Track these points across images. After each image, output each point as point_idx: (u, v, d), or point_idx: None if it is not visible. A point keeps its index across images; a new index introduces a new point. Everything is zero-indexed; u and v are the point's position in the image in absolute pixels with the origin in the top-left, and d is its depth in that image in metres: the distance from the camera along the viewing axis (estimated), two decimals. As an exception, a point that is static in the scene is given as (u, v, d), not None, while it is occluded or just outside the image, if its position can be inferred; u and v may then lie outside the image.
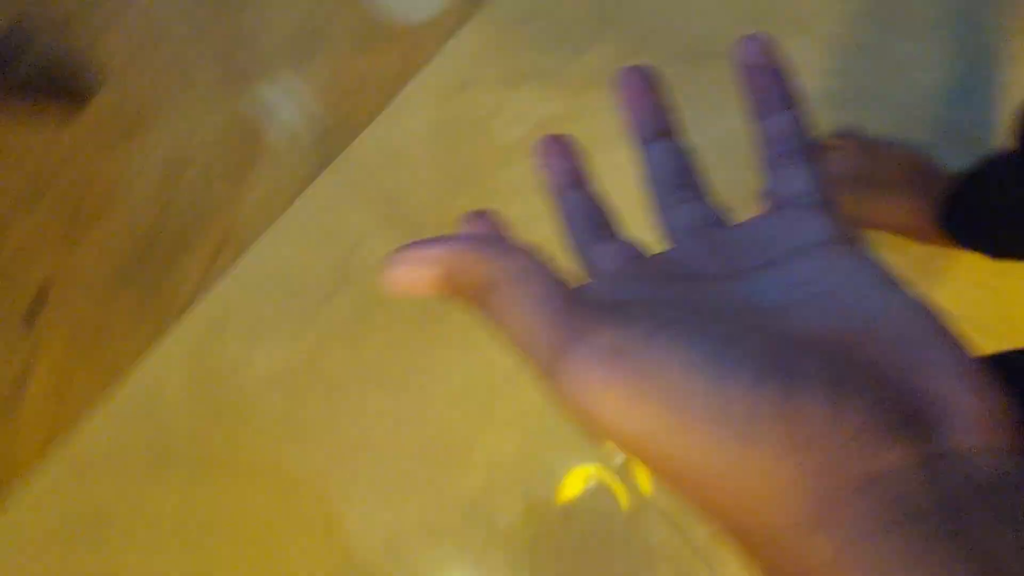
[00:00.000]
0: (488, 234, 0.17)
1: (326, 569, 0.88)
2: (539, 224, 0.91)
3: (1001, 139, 0.92)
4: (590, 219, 0.25)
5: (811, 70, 0.92)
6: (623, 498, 0.84)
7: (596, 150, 0.95)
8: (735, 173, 0.94)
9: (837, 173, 0.92)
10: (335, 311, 1.01)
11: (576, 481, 0.86)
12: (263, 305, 1.02)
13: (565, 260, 0.86)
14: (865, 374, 0.15)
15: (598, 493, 0.85)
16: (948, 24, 0.91)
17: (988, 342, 0.96)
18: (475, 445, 0.93)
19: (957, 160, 0.93)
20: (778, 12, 0.92)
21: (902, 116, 0.93)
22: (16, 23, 0.99)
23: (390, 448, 0.93)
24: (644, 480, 0.85)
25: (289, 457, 0.93)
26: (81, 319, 1.03)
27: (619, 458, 0.86)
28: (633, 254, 0.24)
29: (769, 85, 0.23)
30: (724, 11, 0.92)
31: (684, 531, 0.81)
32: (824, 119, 0.94)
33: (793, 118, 0.23)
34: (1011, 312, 0.95)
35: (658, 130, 0.25)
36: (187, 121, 1.00)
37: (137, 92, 1.00)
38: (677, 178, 0.25)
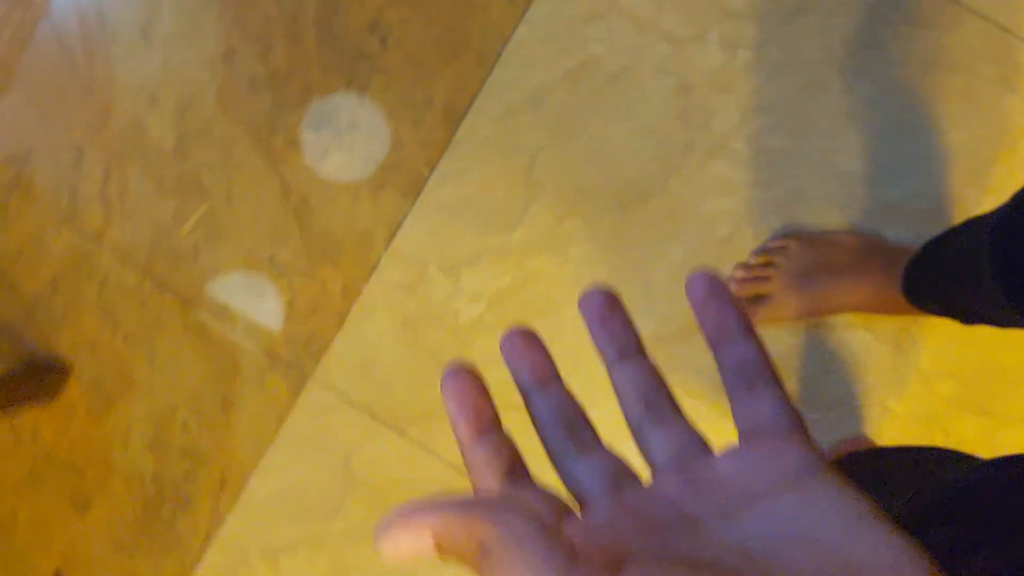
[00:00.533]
0: (477, 497, 0.18)
1: None
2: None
3: (941, 205, 0.94)
4: (562, 424, 0.25)
5: (736, 187, 0.95)
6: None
7: (550, 312, 0.98)
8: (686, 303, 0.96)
9: (789, 271, 0.94)
10: (348, 515, 1.01)
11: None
12: (278, 528, 1.03)
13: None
14: None
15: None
16: (858, 112, 0.94)
17: (983, 395, 0.95)
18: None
19: (903, 235, 0.95)
20: (693, 141, 0.96)
21: (836, 209, 0.95)
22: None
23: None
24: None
25: None
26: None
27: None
28: (615, 471, 0.24)
29: (720, 316, 0.24)
30: (643, 152, 0.96)
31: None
32: (761, 227, 0.96)
33: (748, 346, 0.24)
34: (998, 357, 0.95)
35: (622, 350, 0.26)
36: (162, 375, 1.03)
37: (108, 362, 1.04)
38: (647, 398, 0.25)
